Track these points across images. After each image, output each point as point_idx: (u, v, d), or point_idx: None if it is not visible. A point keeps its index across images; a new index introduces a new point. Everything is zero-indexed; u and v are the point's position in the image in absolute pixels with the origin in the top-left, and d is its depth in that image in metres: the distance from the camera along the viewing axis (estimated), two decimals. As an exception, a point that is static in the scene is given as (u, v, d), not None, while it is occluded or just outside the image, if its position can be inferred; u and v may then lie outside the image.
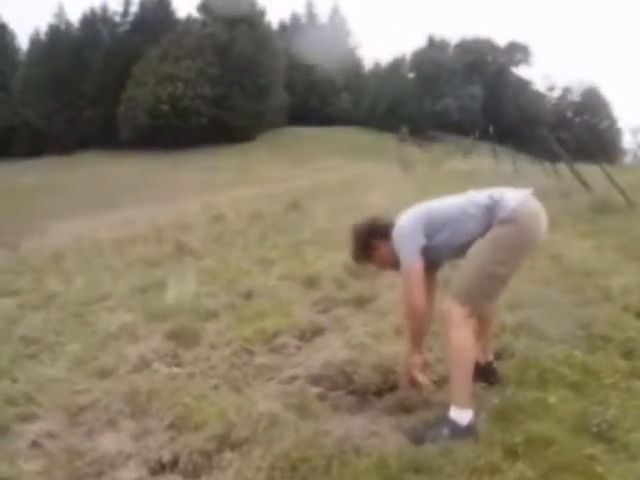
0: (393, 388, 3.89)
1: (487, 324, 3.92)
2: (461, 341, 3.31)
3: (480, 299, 3.50)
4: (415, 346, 3.67)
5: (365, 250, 3.84)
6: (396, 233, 3.61)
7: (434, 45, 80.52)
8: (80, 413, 4.03)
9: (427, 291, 3.73)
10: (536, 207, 3.47)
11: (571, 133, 67.06)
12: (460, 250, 3.52)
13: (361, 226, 3.89)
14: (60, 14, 74.89)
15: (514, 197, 3.43)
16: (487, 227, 3.41)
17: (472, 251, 3.43)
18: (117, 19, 74.69)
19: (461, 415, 3.23)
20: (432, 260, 3.64)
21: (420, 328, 3.65)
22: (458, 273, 3.50)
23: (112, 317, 6.18)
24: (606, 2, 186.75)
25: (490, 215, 3.41)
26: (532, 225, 3.41)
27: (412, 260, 3.52)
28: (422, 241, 3.53)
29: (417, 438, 3.19)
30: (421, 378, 3.64)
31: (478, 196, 3.56)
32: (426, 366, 3.87)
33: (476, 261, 3.39)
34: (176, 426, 3.57)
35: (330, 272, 6.70)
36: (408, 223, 3.59)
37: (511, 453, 2.98)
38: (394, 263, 3.70)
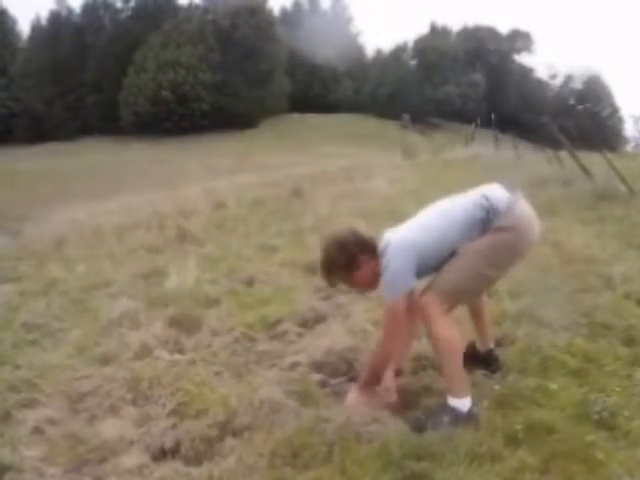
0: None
1: (479, 313, 3.92)
2: (445, 332, 3.27)
3: (464, 297, 3.56)
4: (370, 382, 3.57)
5: (349, 265, 3.51)
6: (388, 271, 3.34)
7: (436, 32, 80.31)
8: (82, 399, 4.02)
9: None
10: (529, 210, 3.47)
11: (573, 121, 66.73)
12: (439, 266, 3.44)
13: (347, 238, 3.58)
14: (61, 0, 74.77)
15: (506, 201, 3.38)
16: (476, 236, 3.35)
17: (464, 252, 3.36)
18: (118, 5, 74.70)
19: (461, 403, 3.23)
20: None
21: (384, 367, 3.58)
22: (444, 270, 3.41)
23: (114, 304, 6.15)
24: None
25: (483, 226, 3.35)
26: (529, 229, 3.41)
27: (399, 302, 3.33)
28: (413, 283, 3.37)
29: (418, 425, 3.20)
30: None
31: (469, 207, 3.41)
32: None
33: (468, 262, 3.34)
34: (178, 413, 3.57)
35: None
36: (401, 263, 3.32)
37: (512, 440, 3.00)
38: (373, 283, 3.60)
